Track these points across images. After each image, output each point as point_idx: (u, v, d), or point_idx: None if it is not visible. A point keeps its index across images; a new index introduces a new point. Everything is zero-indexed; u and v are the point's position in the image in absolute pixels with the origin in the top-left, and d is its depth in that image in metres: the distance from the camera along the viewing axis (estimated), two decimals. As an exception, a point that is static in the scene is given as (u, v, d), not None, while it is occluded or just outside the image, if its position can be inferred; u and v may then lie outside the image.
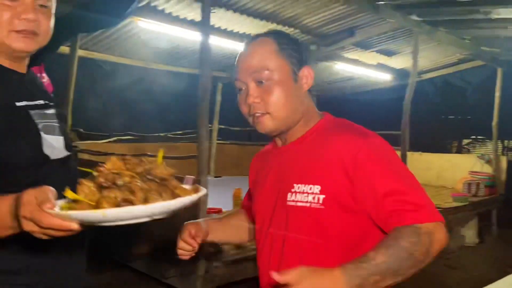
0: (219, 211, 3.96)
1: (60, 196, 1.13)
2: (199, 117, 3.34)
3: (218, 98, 7.55)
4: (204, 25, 3.37)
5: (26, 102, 1.15)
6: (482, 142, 12.48)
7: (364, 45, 6.16)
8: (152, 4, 4.45)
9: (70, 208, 0.81)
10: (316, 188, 1.06)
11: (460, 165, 6.76)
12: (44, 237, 0.83)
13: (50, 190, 0.83)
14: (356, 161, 1.02)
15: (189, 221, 1.25)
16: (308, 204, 1.06)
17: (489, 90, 7.29)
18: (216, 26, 5.07)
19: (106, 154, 5.49)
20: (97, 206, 0.77)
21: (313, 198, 1.06)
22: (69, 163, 1.23)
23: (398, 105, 5.53)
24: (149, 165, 0.86)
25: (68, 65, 5.14)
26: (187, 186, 0.90)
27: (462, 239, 5.65)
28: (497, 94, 6.74)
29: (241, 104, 1.15)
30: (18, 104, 1.13)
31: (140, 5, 4.23)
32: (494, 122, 6.77)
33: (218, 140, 7.75)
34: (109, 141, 6.62)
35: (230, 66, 5.93)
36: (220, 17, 4.83)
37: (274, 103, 1.10)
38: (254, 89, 1.11)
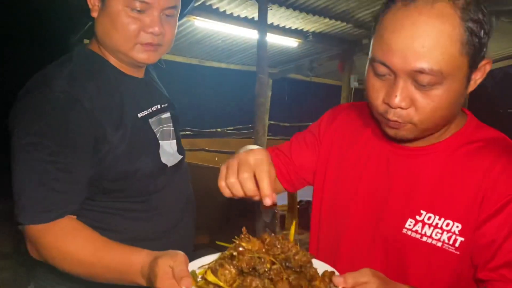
0: (274, 205, 4.02)
1: (175, 200, 1.21)
2: (256, 113, 3.37)
3: (269, 94, 7.64)
4: (261, 23, 3.41)
5: (145, 111, 1.15)
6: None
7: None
8: (208, 3, 4.60)
9: None
10: (456, 227, 0.81)
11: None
12: None
13: (185, 260, 0.80)
14: (505, 207, 0.78)
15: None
16: (439, 244, 0.82)
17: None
18: (269, 22, 5.16)
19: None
20: None
21: (449, 238, 0.81)
22: (182, 166, 1.26)
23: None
24: (286, 245, 0.81)
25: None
26: (322, 266, 0.80)
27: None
28: None
29: (374, 92, 0.82)
30: (139, 115, 1.13)
31: (196, 4, 4.39)
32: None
33: (268, 135, 7.84)
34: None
35: (281, 62, 5.96)
36: (273, 14, 4.91)
37: (427, 115, 0.78)
38: (406, 90, 0.77)
